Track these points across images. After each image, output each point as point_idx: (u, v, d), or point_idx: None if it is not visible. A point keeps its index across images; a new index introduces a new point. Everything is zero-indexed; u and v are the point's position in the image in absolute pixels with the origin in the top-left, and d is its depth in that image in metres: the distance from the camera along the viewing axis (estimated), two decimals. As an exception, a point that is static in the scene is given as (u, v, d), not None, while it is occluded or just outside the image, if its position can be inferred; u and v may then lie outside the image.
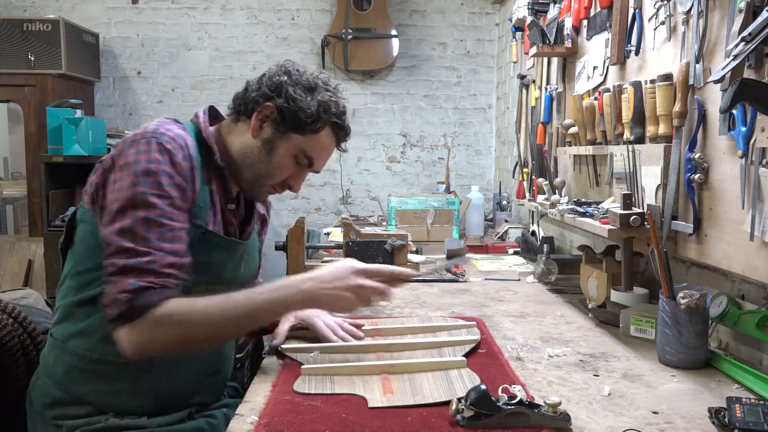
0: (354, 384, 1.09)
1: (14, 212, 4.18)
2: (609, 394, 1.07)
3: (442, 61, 4.19)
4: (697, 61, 1.39)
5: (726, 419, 0.93)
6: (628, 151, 1.64)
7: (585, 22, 2.12)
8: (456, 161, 4.21)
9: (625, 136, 1.69)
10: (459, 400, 0.95)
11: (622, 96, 1.69)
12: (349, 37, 3.91)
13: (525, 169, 2.75)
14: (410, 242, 2.10)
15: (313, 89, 1.22)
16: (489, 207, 3.71)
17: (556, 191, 2.08)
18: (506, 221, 3.18)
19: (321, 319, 1.34)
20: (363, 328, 1.38)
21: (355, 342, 1.30)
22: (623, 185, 1.72)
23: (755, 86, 1.06)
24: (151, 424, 1.16)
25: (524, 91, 2.94)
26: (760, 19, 1.08)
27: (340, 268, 1.12)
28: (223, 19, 4.12)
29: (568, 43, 2.22)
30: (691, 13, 1.41)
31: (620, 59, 1.82)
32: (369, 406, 1.00)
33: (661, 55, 1.60)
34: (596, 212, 1.65)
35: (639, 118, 1.63)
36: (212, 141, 1.22)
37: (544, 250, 2.02)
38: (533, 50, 2.34)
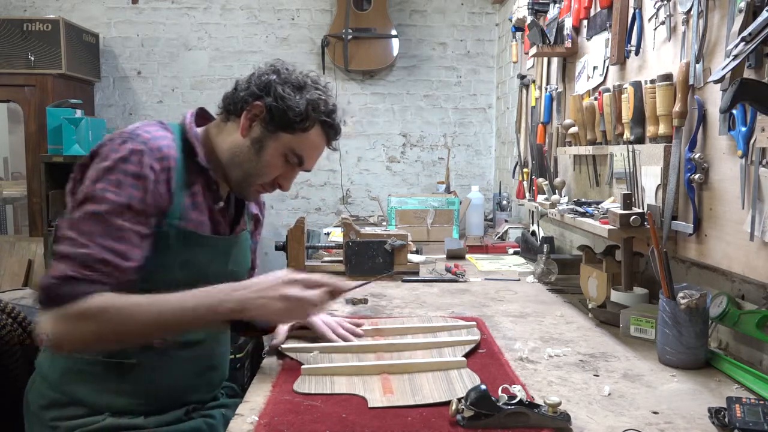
0: (354, 384, 1.09)
1: (14, 212, 4.18)
2: (609, 394, 1.07)
3: (442, 61, 4.19)
4: (697, 61, 1.39)
5: (726, 419, 0.93)
6: (628, 151, 1.64)
7: (585, 22, 2.12)
8: (456, 161, 4.21)
9: (625, 136, 1.69)
10: (459, 400, 0.95)
11: (622, 96, 1.69)
12: (349, 37, 3.91)
13: (525, 169, 2.75)
14: (410, 242, 2.10)
15: (302, 88, 1.22)
16: (489, 207, 3.71)
17: (556, 191, 2.08)
18: (506, 221, 3.18)
19: (321, 318, 1.34)
20: (363, 327, 1.38)
21: (355, 342, 1.30)
22: (623, 185, 1.72)
23: (755, 86, 1.06)
24: (148, 424, 1.16)
25: (524, 91, 2.94)
26: (760, 19, 1.08)
27: (272, 277, 1.11)
28: (223, 19, 4.12)
29: (568, 43, 2.22)
30: (691, 13, 1.41)
31: (620, 59, 1.82)
32: (369, 406, 1.00)
33: (661, 55, 1.60)
34: (596, 212, 1.65)
35: (639, 118, 1.63)
36: (196, 141, 1.22)
37: (544, 250, 2.02)
38: (533, 50, 2.34)
